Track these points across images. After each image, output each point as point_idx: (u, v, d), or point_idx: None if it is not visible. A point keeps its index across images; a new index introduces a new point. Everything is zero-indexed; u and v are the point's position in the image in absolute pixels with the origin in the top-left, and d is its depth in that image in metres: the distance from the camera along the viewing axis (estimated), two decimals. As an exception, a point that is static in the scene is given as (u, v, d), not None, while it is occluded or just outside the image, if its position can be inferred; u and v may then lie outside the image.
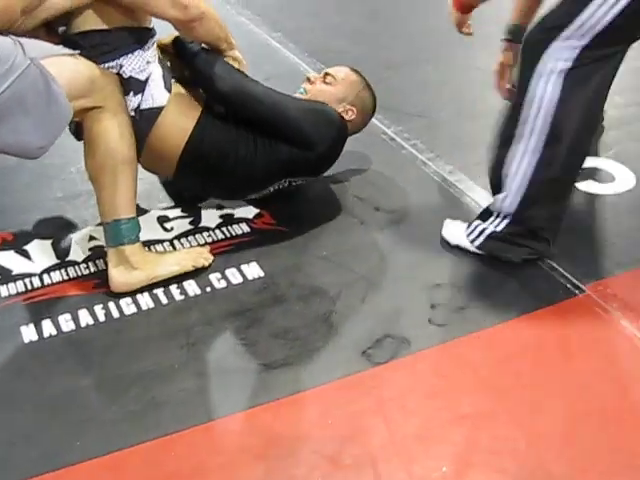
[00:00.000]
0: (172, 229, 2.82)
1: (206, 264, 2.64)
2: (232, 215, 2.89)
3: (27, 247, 2.76)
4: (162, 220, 2.87)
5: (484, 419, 2.09)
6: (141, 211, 2.88)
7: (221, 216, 2.89)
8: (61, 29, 2.57)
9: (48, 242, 2.78)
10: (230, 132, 2.70)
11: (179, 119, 2.66)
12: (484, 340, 2.34)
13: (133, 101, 2.58)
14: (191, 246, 2.75)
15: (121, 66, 2.53)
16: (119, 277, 2.54)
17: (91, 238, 2.80)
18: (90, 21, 2.52)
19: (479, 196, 2.96)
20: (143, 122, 2.61)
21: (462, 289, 2.54)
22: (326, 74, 2.99)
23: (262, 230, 2.82)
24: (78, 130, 2.66)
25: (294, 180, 2.85)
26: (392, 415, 2.10)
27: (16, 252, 2.74)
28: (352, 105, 2.94)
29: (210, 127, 2.69)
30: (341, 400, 2.15)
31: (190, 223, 2.86)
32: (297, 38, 4.32)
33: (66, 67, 2.38)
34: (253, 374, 2.24)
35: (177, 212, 2.91)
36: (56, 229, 2.86)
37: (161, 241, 2.77)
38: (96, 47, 2.50)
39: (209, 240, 2.77)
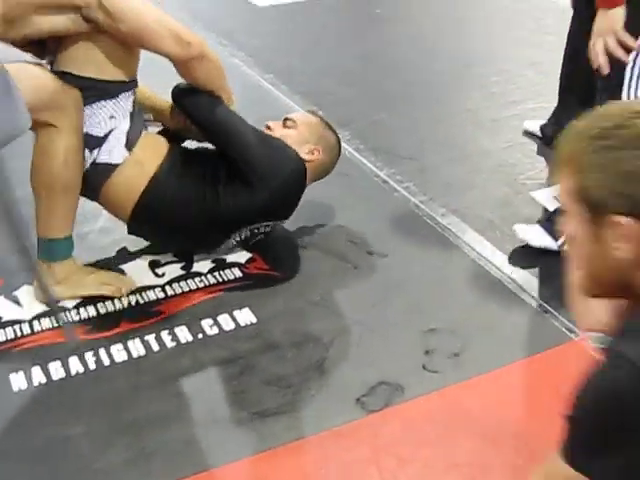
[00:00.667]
0: (164, 274, 2.80)
1: (124, 292, 2.71)
2: (224, 260, 2.87)
3: (17, 292, 2.73)
4: (153, 265, 2.85)
5: (479, 468, 2.06)
6: (132, 255, 2.87)
7: (213, 261, 2.87)
8: (48, 58, 2.59)
9: (38, 288, 2.75)
10: (187, 184, 2.70)
11: (134, 174, 2.66)
12: (479, 387, 2.32)
13: (87, 156, 2.60)
14: (182, 292, 2.72)
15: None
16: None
17: (82, 284, 2.77)
18: (72, 62, 2.53)
19: (472, 239, 2.96)
20: (97, 175, 2.63)
21: (456, 334, 2.52)
22: (286, 119, 2.99)
23: (255, 275, 2.80)
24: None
25: (256, 227, 2.83)
26: (386, 464, 2.07)
27: (5, 297, 2.72)
28: (316, 145, 2.94)
29: (165, 181, 2.68)
30: (335, 449, 2.12)
31: (182, 268, 2.84)
32: (289, 79, 4.32)
33: (32, 76, 2.40)
34: (245, 423, 2.21)
35: (169, 257, 2.89)
36: (47, 274, 2.82)
37: (153, 287, 2.75)
38: None
39: (201, 285, 2.75)
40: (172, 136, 2.85)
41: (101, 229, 2.94)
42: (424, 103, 4.13)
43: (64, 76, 2.55)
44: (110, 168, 2.63)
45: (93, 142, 2.60)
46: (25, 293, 2.73)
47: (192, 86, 2.71)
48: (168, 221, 2.73)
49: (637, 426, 1.25)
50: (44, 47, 2.62)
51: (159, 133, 2.86)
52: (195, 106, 2.73)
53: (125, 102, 2.63)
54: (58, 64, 2.58)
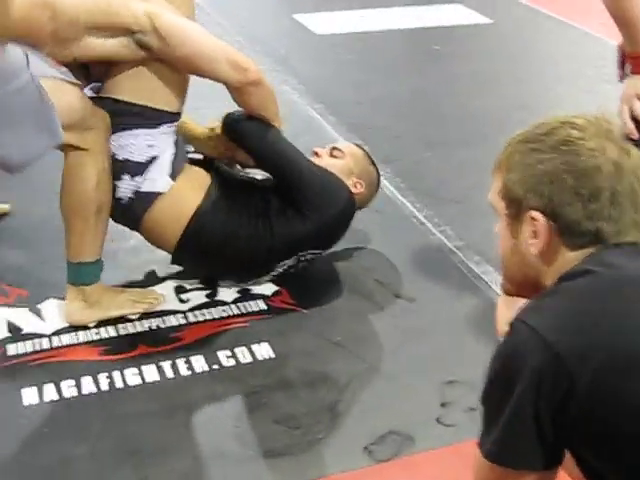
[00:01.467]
0: (188, 300, 2.79)
1: (154, 305, 2.72)
2: (249, 290, 2.85)
3: (40, 306, 2.74)
4: (179, 291, 2.84)
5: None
6: (158, 279, 2.86)
7: (239, 291, 2.84)
8: (95, 85, 2.60)
9: (62, 302, 2.74)
10: (236, 216, 2.68)
11: (179, 204, 2.65)
12: (493, 445, 2.26)
13: (129, 184, 2.59)
14: (204, 320, 2.70)
15: (120, 146, 2.57)
16: (74, 313, 2.63)
17: (105, 302, 2.76)
18: (119, 88, 2.55)
19: (504, 290, 2.89)
20: (140, 204, 2.62)
21: (476, 388, 2.43)
22: (334, 148, 2.99)
23: (279, 309, 2.78)
24: None
25: (302, 255, 2.80)
26: (388, 518, 2.03)
27: (29, 310, 2.72)
28: (360, 179, 2.93)
29: (213, 212, 2.67)
30: (337, 496, 2.09)
31: (207, 296, 2.82)
32: (338, 110, 4.30)
33: (65, 94, 2.40)
34: (250, 461, 2.18)
35: (194, 283, 2.87)
36: (72, 289, 2.82)
37: (175, 312, 2.73)
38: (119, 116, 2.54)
39: (224, 315, 2.73)
40: (211, 166, 2.83)
41: (132, 248, 2.93)
42: (473, 144, 4.05)
43: (109, 101, 2.56)
44: (154, 196, 2.61)
45: (135, 168, 2.59)
46: (48, 307, 2.74)
47: (244, 114, 2.72)
48: (216, 253, 2.72)
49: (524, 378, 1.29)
50: (88, 71, 2.62)
51: (195, 163, 2.82)
52: (249, 134, 2.74)
53: (168, 131, 2.63)
54: (105, 90, 2.59)
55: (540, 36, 5.77)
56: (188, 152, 2.83)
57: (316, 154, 2.96)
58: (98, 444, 2.23)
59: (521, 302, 1.52)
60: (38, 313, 2.71)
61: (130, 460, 2.17)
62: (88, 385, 2.41)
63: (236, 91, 2.65)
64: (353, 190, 2.86)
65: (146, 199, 2.61)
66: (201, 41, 2.57)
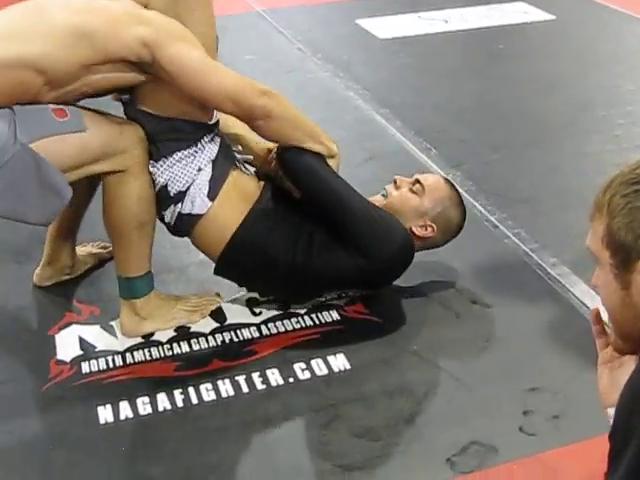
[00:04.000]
0: (260, 313, 2.75)
1: (211, 309, 2.74)
2: (323, 301, 2.80)
3: (113, 323, 2.72)
4: (252, 303, 2.80)
5: None
6: (230, 292, 2.83)
7: (311, 302, 2.80)
8: (124, 97, 2.58)
9: (133, 319, 2.73)
10: (278, 239, 2.60)
11: (218, 225, 2.60)
12: (580, 454, 2.19)
13: (173, 210, 2.58)
14: (278, 332, 2.67)
15: (167, 182, 2.55)
16: (129, 326, 2.66)
17: (177, 318, 2.74)
18: (151, 102, 2.53)
19: (582, 292, 2.81)
20: (182, 226, 2.61)
21: (559, 395, 2.39)
22: (416, 181, 2.79)
23: (353, 319, 2.73)
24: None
25: (344, 292, 2.77)
26: (474, 532, 1.97)
27: (102, 327, 2.71)
28: (433, 222, 2.76)
29: (254, 230, 2.60)
30: (420, 511, 2.04)
31: (279, 308, 2.78)
32: (404, 115, 4.24)
33: (69, 143, 2.37)
34: (330, 475, 2.14)
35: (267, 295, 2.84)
36: (144, 305, 2.81)
37: (248, 325, 2.70)
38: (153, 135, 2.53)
39: (297, 326, 2.69)
40: (266, 175, 2.77)
41: (201, 262, 2.90)
42: (541, 144, 3.97)
43: (142, 114, 2.53)
44: (194, 218, 2.58)
45: (178, 197, 2.56)
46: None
47: (298, 148, 2.62)
48: (252, 275, 2.70)
49: None
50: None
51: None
52: (299, 169, 2.64)
53: (209, 147, 2.58)
54: (136, 103, 2.56)
55: (605, 31, 5.65)
56: (238, 152, 2.77)
57: (395, 183, 2.82)
58: (174, 462, 2.20)
59: (628, 362, 1.43)
60: (110, 330, 2.70)
61: (208, 477, 2.15)
62: (163, 402, 2.39)
63: (247, 124, 2.59)
64: (419, 232, 2.73)
65: (187, 221, 2.59)
66: (205, 75, 2.44)
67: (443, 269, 2.98)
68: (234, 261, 2.64)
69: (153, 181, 2.55)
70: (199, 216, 2.57)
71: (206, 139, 2.57)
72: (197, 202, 2.56)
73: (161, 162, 2.54)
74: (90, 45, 2.38)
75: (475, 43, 5.55)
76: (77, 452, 2.26)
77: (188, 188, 2.55)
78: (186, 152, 2.54)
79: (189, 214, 2.57)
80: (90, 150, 2.41)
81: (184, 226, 2.60)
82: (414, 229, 2.73)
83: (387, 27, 5.62)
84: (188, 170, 2.54)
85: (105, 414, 2.35)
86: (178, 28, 2.46)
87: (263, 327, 2.69)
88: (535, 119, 4.25)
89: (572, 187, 3.57)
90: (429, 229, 2.76)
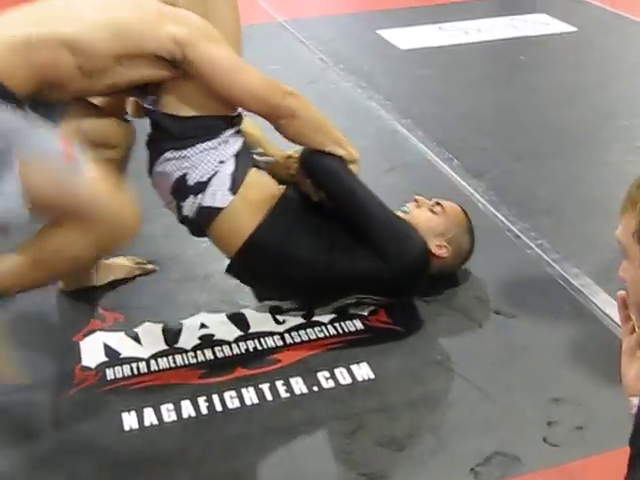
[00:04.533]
0: (284, 322, 2.76)
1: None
2: (346, 310, 2.81)
3: (137, 330, 2.74)
4: (275, 311, 2.81)
5: None
6: (253, 300, 2.84)
7: (335, 311, 2.80)
8: (149, 101, 2.60)
9: (159, 326, 2.75)
10: (297, 242, 2.62)
11: (239, 219, 2.61)
12: (604, 465, 2.18)
13: (193, 202, 2.58)
14: (302, 341, 2.67)
15: (187, 170, 2.56)
16: None
17: (202, 326, 2.75)
18: (173, 103, 2.55)
19: (604, 303, 2.81)
20: (202, 218, 2.61)
21: (582, 406, 2.39)
22: (437, 203, 2.86)
23: (376, 328, 2.73)
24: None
25: (363, 298, 2.78)
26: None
27: (126, 334, 2.73)
28: (448, 243, 2.80)
29: (273, 232, 2.61)
30: (444, 521, 2.04)
31: (303, 317, 2.78)
32: (426, 126, 4.24)
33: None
34: (353, 484, 2.15)
35: (290, 303, 2.84)
36: (168, 313, 2.83)
37: (272, 334, 2.71)
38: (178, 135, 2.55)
39: (321, 335, 2.69)
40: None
41: (224, 269, 2.91)
42: (563, 154, 3.97)
43: (164, 117, 2.56)
44: (214, 211, 2.59)
45: (198, 187, 2.57)
46: (145, 330, 2.74)
47: (322, 152, 2.66)
48: (268, 273, 2.69)
49: None
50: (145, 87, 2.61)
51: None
52: (325, 172, 2.68)
53: (232, 141, 2.60)
54: (161, 105, 2.58)
55: (626, 42, 5.65)
56: (257, 153, 2.78)
57: (416, 201, 2.87)
58: (199, 469, 2.21)
59: None
60: (135, 337, 2.71)
61: (232, 484, 2.17)
62: (188, 409, 2.40)
63: (271, 123, 2.63)
64: (435, 250, 2.76)
65: (208, 214, 2.59)
66: (235, 73, 2.51)
67: (465, 278, 2.98)
68: (250, 259, 2.64)
69: (178, 177, 2.57)
70: (219, 210, 2.58)
71: (229, 132, 2.60)
72: (218, 195, 2.57)
73: (181, 152, 2.56)
74: (124, 38, 2.43)
75: (496, 54, 5.55)
76: (102, 458, 2.27)
77: (210, 179, 2.57)
78: (210, 144, 2.56)
79: (210, 207, 2.58)
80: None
81: (204, 219, 2.60)
82: (431, 247, 2.75)
83: (408, 38, 5.63)
84: (209, 160, 2.56)
85: (130, 420, 2.36)
86: (209, 28, 2.51)
87: (287, 336, 2.70)
88: (557, 129, 4.25)
89: (594, 197, 3.57)
90: (444, 249, 2.80)
